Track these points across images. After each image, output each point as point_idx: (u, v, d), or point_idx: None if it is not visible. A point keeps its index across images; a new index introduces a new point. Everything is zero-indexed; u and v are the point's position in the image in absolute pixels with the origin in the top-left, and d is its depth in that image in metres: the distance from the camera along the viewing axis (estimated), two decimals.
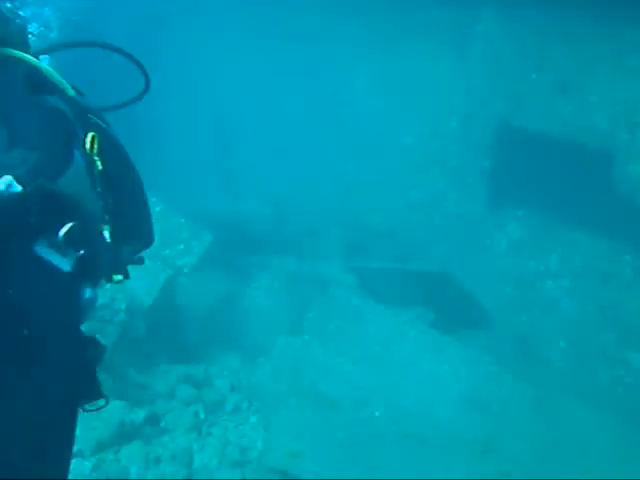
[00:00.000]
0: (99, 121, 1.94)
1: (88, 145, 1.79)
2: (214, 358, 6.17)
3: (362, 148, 8.64)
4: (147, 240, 2.09)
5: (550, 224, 6.92)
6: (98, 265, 1.77)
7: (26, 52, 1.94)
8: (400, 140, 8.07)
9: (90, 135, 1.80)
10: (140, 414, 4.73)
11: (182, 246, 6.12)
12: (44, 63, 1.96)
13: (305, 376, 5.87)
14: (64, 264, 1.61)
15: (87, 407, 1.63)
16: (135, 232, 2.02)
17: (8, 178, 1.50)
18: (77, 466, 4.10)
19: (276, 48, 9.00)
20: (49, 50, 2.07)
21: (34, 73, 1.89)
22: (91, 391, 1.62)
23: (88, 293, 1.73)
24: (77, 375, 1.58)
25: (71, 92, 1.93)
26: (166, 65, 8.39)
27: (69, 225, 1.59)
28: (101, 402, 1.62)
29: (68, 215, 1.61)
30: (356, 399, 5.65)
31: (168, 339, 6.02)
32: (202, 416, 5.46)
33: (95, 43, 2.09)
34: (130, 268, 2.00)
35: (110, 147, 1.90)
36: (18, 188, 1.50)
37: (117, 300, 5.60)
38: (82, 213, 1.65)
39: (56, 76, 1.93)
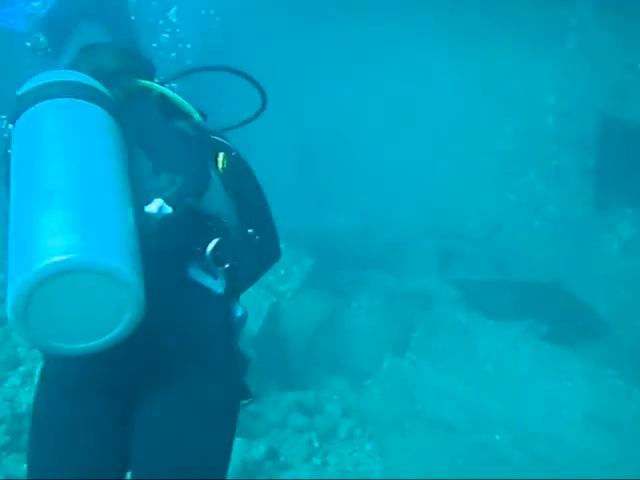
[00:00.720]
0: (225, 142, 2.04)
1: (220, 165, 1.90)
2: (322, 383, 6.10)
3: (452, 151, 8.37)
4: (277, 255, 2.16)
5: None
6: (242, 279, 1.92)
7: (154, 80, 2.09)
8: (493, 141, 7.76)
9: (221, 155, 1.91)
10: (260, 449, 4.70)
11: (283, 272, 6.09)
12: (171, 90, 2.07)
13: (416, 399, 5.70)
14: (217, 286, 1.75)
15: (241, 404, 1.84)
16: (266, 247, 2.07)
17: (159, 201, 1.61)
18: None
19: (352, 49, 8.84)
20: (175, 77, 2.15)
21: (164, 101, 2.02)
22: (244, 393, 1.85)
23: (239, 311, 1.88)
24: (237, 385, 1.81)
25: (197, 116, 2.02)
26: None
27: (215, 241, 1.72)
28: (249, 400, 1.86)
29: (213, 232, 1.74)
30: (473, 422, 5.43)
31: (275, 366, 5.99)
32: (316, 445, 5.39)
33: (215, 67, 2.13)
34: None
35: (238, 166, 1.99)
36: (169, 210, 1.60)
37: None
38: (225, 230, 1.78)
39: (183, 102, 2.02)
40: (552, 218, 7.23)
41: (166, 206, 1.61)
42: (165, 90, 2.03)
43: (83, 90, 1.70)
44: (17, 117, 1.64)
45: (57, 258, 1.31)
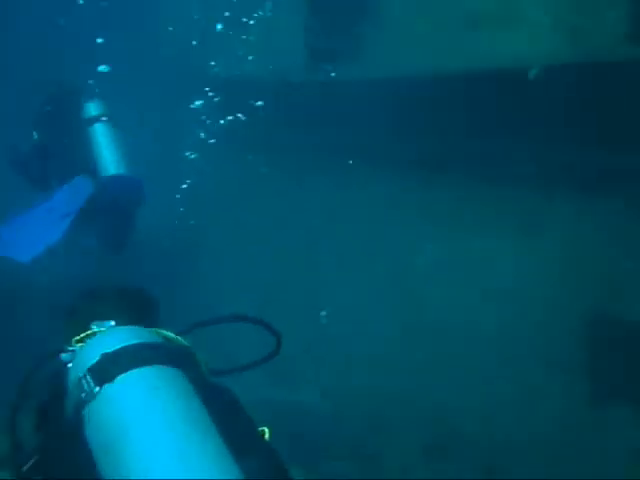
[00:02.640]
0: None
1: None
2: None
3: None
4: None
5: None
6: None
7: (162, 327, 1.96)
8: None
9: (267, 430, 1.84)
10: None
11: None
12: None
13: None
14: None
15: None
16: None
17: None
18: None
19: None
20: (189, 329, 2.03)
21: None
22: None
23: None
24: None
25: (204, 367, 1.93)
26: None
27: None
28: None
29: None
30: None
31: None
32: None
33: (228, 318, 2.03)
34: None
35: None
36: None
37: None
38: None
39: (200, 354, 1.94)
40: (552, 417, 6.70)
41: None
42: (185, 342, 1.92)
43: (175, 355, 1.71)
44: (107, 382, 1.56)
45: None
